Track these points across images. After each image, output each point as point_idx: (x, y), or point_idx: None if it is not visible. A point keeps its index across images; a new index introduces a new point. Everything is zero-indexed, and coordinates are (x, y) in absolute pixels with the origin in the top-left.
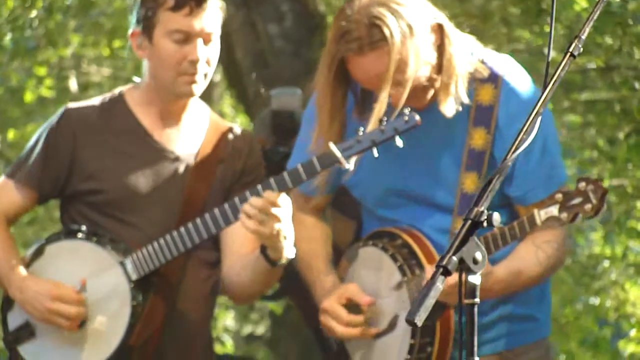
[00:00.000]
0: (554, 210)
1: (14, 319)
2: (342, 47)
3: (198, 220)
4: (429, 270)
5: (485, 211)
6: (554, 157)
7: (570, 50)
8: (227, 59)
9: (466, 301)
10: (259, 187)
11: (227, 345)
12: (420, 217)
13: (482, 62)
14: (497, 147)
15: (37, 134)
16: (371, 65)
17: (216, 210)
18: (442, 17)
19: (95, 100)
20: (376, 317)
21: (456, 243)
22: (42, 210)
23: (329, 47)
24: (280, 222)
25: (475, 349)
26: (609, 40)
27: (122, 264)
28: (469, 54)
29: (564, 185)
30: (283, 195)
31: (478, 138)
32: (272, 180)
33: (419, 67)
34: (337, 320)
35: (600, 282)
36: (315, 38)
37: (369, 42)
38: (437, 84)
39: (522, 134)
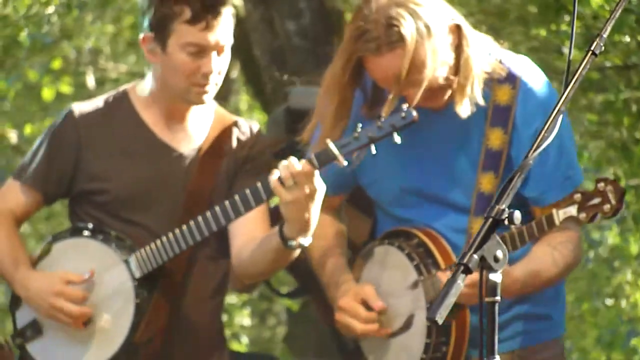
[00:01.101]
0: (572, 210)
1: (22, 317)
2: (360, 47)
3: (199, 217)
4: (442, 275)
5: (507, 209)
6: (570, 158)
7: (592, 48)
8: (244, 56)
9: (487, 299)
10: (261, 183)
11: (242, 343)
12: (436, 217)
13: (500, 62)
14: (514, 147)
15: (42, 135)
16: (388, 65)
17: (217, 207)
18: (459, 18)
19: (100, 99)
20: (391, 316)
21: (477, 241)
22: (60, 205)
23: (345, 47)
24: (305, 196)
25: (496, 347)
26: (627, 38)
27: (127, 262)
28: (487, 54)
29: (579, 186)
30: (318, 175)
31: (495, 138)
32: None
33: (436, 67)
34: (355, 318)
35: (615, 279)
36: (332, 35)
37: (387, 42)
38: (454, 85)
39: (543, 132)
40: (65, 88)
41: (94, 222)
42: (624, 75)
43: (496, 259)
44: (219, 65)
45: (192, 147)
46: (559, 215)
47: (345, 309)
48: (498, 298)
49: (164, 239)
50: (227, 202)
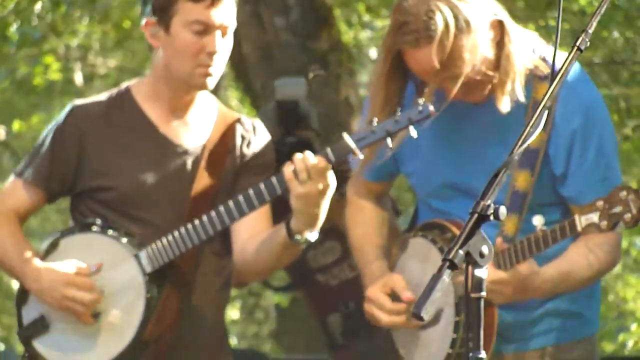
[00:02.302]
0: (594, 217)
1: (29, 313)
2: (399, 40)
3: (212, 213)
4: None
5: (492, 205)
6: (609, 158)
7: (578, 44)
8: (234, 52)
9: (473, 295)
10: (276, 177)
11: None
12: None
13: (543, 59)
14: (552, 145)
15: (45, 132)
16: (426, 59)
17: (230, 202)
18: (503, 13)
19: (102, 96)
20: None
21: (462, 237)
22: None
23: (386, 40)
24: (318, 191)
25: (482, 342)
26: (614, 34)
27: (137, 257)
28: (530, 50)
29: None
30: (331, 172)
31: None
32: (281, 173)
33: (475, 62)
34: (380, 309)
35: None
36: (321, 31)
37: (425, 35)
38: (495, 80)
39: (529, 127)
40: (55, 75)
41: (99, 219)
42: (612, 72)
43: (481, 255)
44: (223, 46)
45: (197, 144)
46: (581, 221)
47: (371, 299)
48: (484, 294)
49: (176, 233)
50: (240, 196)
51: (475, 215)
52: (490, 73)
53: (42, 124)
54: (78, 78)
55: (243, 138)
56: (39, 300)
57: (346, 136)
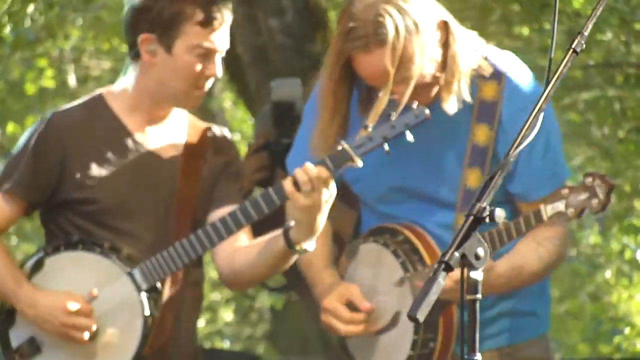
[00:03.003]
0: (560, 205)
1: (17, 336)
2: (348, 45)
3: (208, 226)
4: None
5: (488, 207)
6: (556, 154)
7: (573, 46)
8: (228, 54)
9: (468, 297)
10: (273, 188)
11: (225, 341)
12: (422, 214)
13: (486, 59)
14: (500, 143)
15: (22, 141)
16: (377, 62)
17: (227, 216)
18: (447, 15)
19: (76, 105)
20: (377, 314)
21: (458, 239)
22: None
23: (335, 45)
24: (321, 202)
25: (477, 344)
26: (609, 36)
27: (131, 274)
28: (473, 51)
29: (566, 182)
30: (333, 182)
31: (481, 134)
32: (280, 185)
33: (424, 64)
34: (338, 319)
35: (597, 278)
36: (316, 32)
37: (375, 39)
38: (441, 81)
39: (524, 129)
40: (49, 82)
41: (78, 232)
42: (607, 74)
43: (477, 257)
44: (220, 69)
45: (174, 153)
46: (547, 210)
47: (328, 310)
48: (479, 295)
49: (171, 250)
50: (238, 209)
51: (471, 218)
52: (438, 74)
53: None
54: (71, 80)
55: (216, 146)
56: (28, 322)
57: (344, 144)
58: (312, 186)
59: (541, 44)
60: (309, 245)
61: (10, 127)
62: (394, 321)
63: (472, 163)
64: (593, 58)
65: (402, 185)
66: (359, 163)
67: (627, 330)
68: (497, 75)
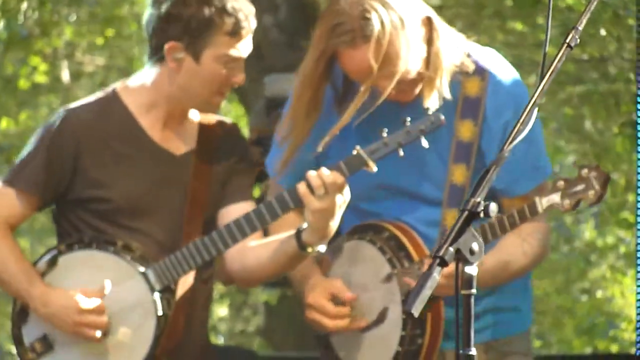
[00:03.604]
0: (555, 197)
1: (30, 333)
2: (334, 41)
3: (223, 228)
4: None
5: (482, 202)
6: (539, 149)
7: (568, 41)
8: None
9: (463, 292)
10: (287, 191)
11: (219, 337)
12: (406, 211)
13: (468, 55)
14: (484, 139)
15: (35, 138)
16: (362, 58)
17: (241, 218)
18: (430, 11)
19: (91, 102)
20: (364, 310)
21: (453, 234)
22: None
23: (318, 42)
24: (335, 206)
25: (472, 339)
26: (602, 31)
27: (144, 274)
28: (455, 47)
29: (549, 177)
30: (347, 187)
31: (465, 130)
32: (294, 188)
33: (409, 59)
34: (324, 314)
35: (592, 273)
36: (309, 28)
37: (362, 34)
38: (424, 78)
39: (519, 125)
40: (41, 77)
41: (90, 230)
42: (601, 68)
43: (472, 252)
44: (244, 75)
45: (186, 150)
46: (542, 203)
47: (313, 305)
48: (474, 290)
49: (185, 250)
50: (252, 212)
51: (466, 213)
52: (422, 70)
53: (29, 121)
54: (65, 76)
55: (228, 141)
56: (41, 319)
57: (360, 149)
58: (326, 191)
59: (534, 38)
60: (321, 247)
61: (4, 123)
62: (381, 317)
63: (458, 159)
64: (587, 53)
65: (386, 182)
66: (374, 168)
67: (623, 325)
68: (480, 72)
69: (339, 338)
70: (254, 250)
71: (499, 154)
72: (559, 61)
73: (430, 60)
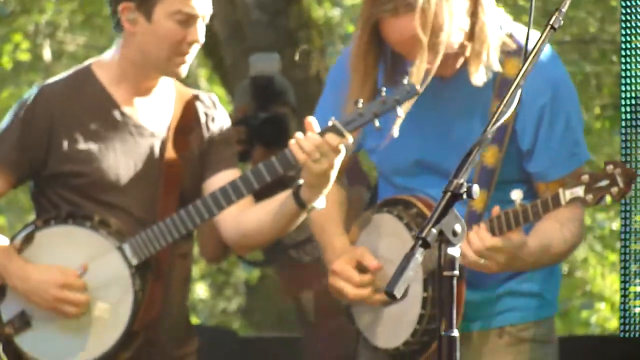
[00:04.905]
0: (579, 191)
1: (7, 309)
2: (377, 9)
3: (199, 200)
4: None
5: (465, 183)
6: (576, 134)
7: (551, 22)
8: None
9: (446, 273)
10: (278, 157)
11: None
12: (438, 188)
13: (510, 35)
14: (520, 121)
15: (10, 114)
16: (405, 27)
17: (217, 191)
18: None
19: (65, 77)
20: (387, 283)
21: (435, 215)
22: None
23: (363, 10)
24: (333, 166)
25: (455, 321)
26: (582, 13)
27: (121, 249)
28: (498, 26)
29: (585, 163)
30: (343, 141)
31: None
32: (285, 152)
33: (453, 31)
34: (348, 281)
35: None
36: (291, 7)
37: (404, 3)
38: (467, 52)
39: (502, 106)
40: (24, 55)
41: (67, 205)
42: (583, 50)
43: (454, 233)
44: (203, 35)
45: (161, 125)
46: (565, 195)
47: (338, 272)
48: (457, 272)
49: (162, 225)
50: (239, 179)
51: (449, 194)
52: (466, 44)
53: (11, 99)
54: (46, 54)
55: (206, 115)
56: (18, 296)
57: (335, 120)
58: (321, 152)
59: (516, 20)
60: (319, 202)
61: None
62: (403, 294)
63: (491, 140)
64: (568, 34)
65: (421, 158)
66: (350, 139)
67: (603, 306)
68: (521, 53)
69: (360, 310)
70: (251, 215)
71: (482, 135)
72: (542, 43)
73: (475, 34)
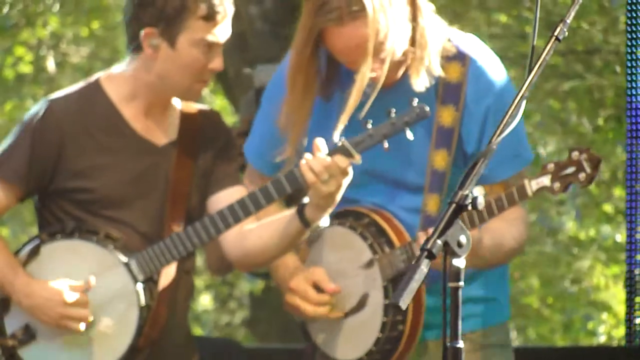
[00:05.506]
0: (545, 180)
1: (12, 322)
2: (321, 19)
3: (206, 218)
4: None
5: (470, 194)
6: (519, 136)
7: (556, 34)
8: None
9: (451, 284)
10: (287, 176)
11: (203, 328)
12: (387, 197)
13: (449, 40)
14: (465, 125)
15: (18, 128)
16: (351, 36)
17: (225, 209)
18: None
19: (73, 92)
20: (344, 297)
21: (441, 226)
22: None
23: (306, 21)
24: (340, 187)
25: (460, 332)
26: (585, 25)
27: (127, 265)
28: (438, 30)
29: (529, 165)
30: (352, 161)
31: (447, 116)
32: (294, 171)
33: (396, 38)
34: (306, 300)
35: (576, 265)
36: (294, 18)
37: (348, 11)
38: (409, 59)
39: (507, 117)
40: (26, 67)
41: (72, 220)
42: (586, 62)
43: (459, 245)
44: (222, 61)
45: (168, 141)
46: (532, 186)
47: (295, 290)
48: (462, 283)
49: (168, 240)
50: (246, 197)
51: (454, 205)
52: (407, 50)
53: (15, 111)
54: (50, 66)
55: (211, 130)
56: (23, 310)
57: (345, 141)
58: (330, 174)
59: (519, 31)
60: (324, 221)
61: None
62: (361, 304)
63: (439, 144)
64: (572, 46)
65: (368, 168)
66: (359, 160)
67: (605, 316)
68: (461, 57)
69: (316, 325)
70: (254, 234)
71: (488, 146)
72: (547, 54)
73: (415, 39)
